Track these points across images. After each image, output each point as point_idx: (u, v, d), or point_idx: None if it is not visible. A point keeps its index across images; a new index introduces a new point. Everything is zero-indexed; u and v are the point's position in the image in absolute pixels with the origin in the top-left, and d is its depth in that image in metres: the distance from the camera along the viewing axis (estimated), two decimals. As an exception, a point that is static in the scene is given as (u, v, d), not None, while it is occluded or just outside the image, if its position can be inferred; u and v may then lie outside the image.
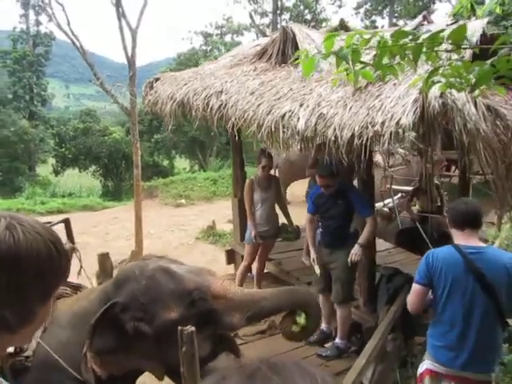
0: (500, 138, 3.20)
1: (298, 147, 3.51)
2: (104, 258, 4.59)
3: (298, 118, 3.39)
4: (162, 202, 15.18)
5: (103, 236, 12.34)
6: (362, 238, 3.74)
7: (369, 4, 25.11)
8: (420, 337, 4.12)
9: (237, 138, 4.33)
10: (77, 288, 2.11)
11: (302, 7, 22.83)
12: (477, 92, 2.65)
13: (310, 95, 3.60)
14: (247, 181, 4.73)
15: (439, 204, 6.12)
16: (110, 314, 1.70)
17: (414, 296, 2.58)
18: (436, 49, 2.05)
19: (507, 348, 3.91)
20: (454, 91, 2.87)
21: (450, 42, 1.99)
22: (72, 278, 2.85)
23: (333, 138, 3.13)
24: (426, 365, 2.60)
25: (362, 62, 2.29)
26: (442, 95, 2.89)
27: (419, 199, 6.15)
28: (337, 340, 3.95)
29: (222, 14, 33.17)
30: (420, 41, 1.93)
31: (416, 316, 4.03)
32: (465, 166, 3.26)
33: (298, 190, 12.27)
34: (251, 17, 21.06)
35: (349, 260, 3.71)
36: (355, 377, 2.61)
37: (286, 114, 3.49)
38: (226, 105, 4.05)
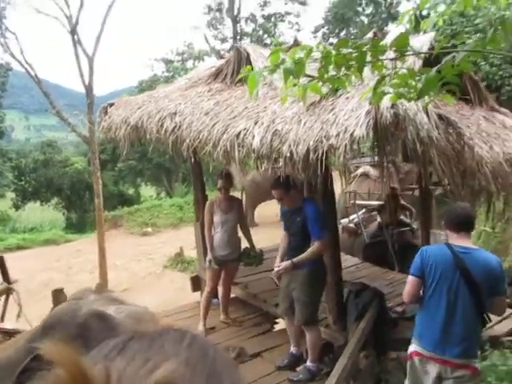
0: (453, 146, 3.23)
1: (255, 165, 3.42)
2: (58, 294, 4.34)
3: (253, 136, 3.32)
4: (127, 232, 14.82)
5: (66, 270, 11.88)
6: (297, 257, 3.62)
7: (326, 27, 25.87)
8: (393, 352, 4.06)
9: (193, 159, 4.21)
10: (11, 334, 1.89)
11: (261, 32, 23.32)
12: (427, 100, 2.67)
13: (265, 112, 3.55)
14: (207, 203, 4.61)
15: (401, 217, 6.17)
16: (33, 366, 1.50)
17: (408, 287, 2.81)
18: (381, 57, 2.03)
19: (479, 355, 3.88)
20: (405, 101, 2.88)
21: (393, 49, 1.98)
22: (11, 321, 2.61)
23: (288, 154, 3.07)
24: (413, 348, 2.84)
25: (307, 76, 2.26)
26: (393, 106, 2.89)
27: (381, 213, 6.20)
28: (308, 363, 3.80)
29: (183, 40, 33.30)
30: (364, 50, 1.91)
31: (387, 332, 3.99)
32: (420, 176, 3.26)
33: (267, 211, 12.22)
34: (207, 40, 21.27)
35: (274, 272, 3.71)
36: (325, 401, 2.48)
37: (240, 132, 3.42)
38: (180, 126, 3.95)
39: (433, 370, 2.73)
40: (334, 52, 1.88)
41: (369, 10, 19.91)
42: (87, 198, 21.09)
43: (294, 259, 3.60)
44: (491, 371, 2.90)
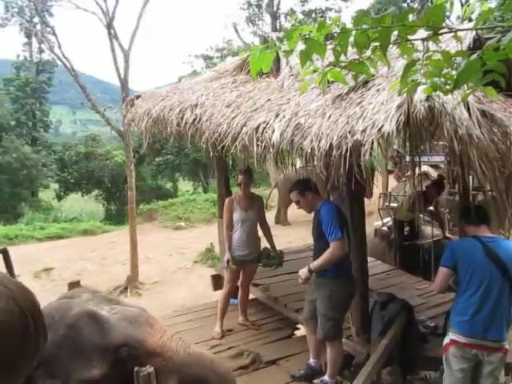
0: (497, 147, 2.85)
1: (274, 161, 3.19)
2: (73, 287, 4.27)
3: (273, 130, 3.09)
4: (160, 225, 14.89)
5: (100, 261, 12.07)
6: (313, 263, 3.36)
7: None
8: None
9: (213, 153, 4.02)
10: None
11: (301, 28, 22.88)
12: (467, 90, 2.32)
13: (288, 105, 3.31)
14: (227, 199, 4.42)
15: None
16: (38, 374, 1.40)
17: (439, 277, 2.97)
18: (410, 37, 1.74)
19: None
20: (442, 94, 2.55)
21: (425, 28, 1.68)
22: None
23: (309, 150, 2.82)
24: (450, 337, 2.93)
25: (331, 64, 1.98)
26: (428, 98, 2.58)
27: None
28: (325, 377, 3.51)
29: (222, 37, 33.19)
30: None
31: (415, 348, 3.65)
32: (456, 179, 2.92)
33: (299, 210, 11.89)
34: (238, 34, 20.85)
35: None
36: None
37: (260, 125, 3.20)
38: (200, 118, 3.77)
39: (469, 355, 2.84)
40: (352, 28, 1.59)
41: (414, 6, 18.91)
42: (126, 191, 21.47)
43: (311, 265, 3.34)
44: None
